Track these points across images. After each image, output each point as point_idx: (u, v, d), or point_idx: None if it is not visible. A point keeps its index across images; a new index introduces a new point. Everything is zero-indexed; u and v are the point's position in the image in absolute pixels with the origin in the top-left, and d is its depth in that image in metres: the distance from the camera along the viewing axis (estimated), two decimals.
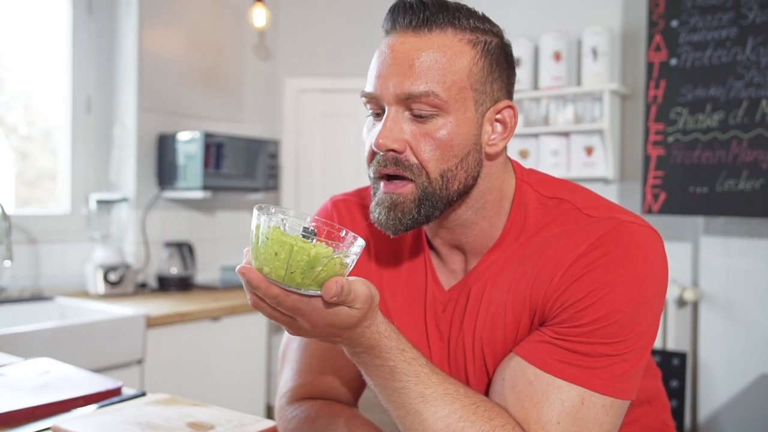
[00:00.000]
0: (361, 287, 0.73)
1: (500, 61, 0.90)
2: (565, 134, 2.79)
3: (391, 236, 0.90)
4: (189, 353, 2.52)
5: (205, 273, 3.22)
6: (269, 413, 3.13)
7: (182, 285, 2.94)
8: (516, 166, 0.98)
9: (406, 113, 0.86)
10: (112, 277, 2.70)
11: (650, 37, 2.42)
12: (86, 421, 1.07)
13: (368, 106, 0.90)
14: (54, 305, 2.56)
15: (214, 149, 2.91)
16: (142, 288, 2.92)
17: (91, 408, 1.16)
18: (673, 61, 2.35)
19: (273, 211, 0.74)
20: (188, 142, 2.91)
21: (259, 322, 2.84)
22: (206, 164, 2.87)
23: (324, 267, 0.70)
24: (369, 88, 0.88)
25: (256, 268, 0.70)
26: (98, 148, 2.97)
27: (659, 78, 2.38)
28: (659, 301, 0.86)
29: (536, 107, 2.84)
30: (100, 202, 2.90)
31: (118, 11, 2.99)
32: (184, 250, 3.01)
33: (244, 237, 3.45)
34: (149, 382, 2.33)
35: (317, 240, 0.71)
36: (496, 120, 0.90)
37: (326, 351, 1.02)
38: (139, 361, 2.33)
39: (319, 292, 0.72)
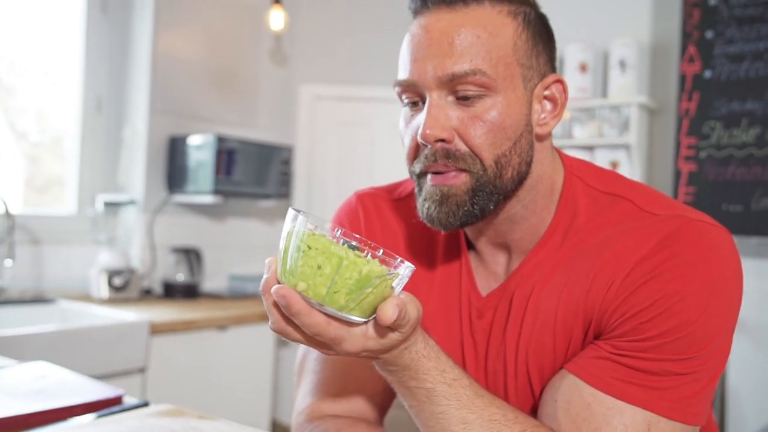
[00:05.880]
0: (413, 310, 0.64)
1: (542, 33, 0.81)
2: (589, 148, 2.70)
3: (443, 232, 0.82)
4: (194, 362, 2.42)
5: (212, 281, 3.13)
6: (275, 429, 3.02)
7: (188, 292, 2.84)
8: (563, 157, 0.88)
9: (450, 97, 0.77)
10: (117, 281, 2.61)
11: (683, 49, 2.33)
12: None
13: (404, 96, 0.81)
14: (55, 308, 2.47)
15: (226, 154, 2.83)
16: (147, 294, 2.83)
17: (89, 417, 1.07)
18: (708, 74, 2.26)
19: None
20: (200, 146, 2.83)
21: (266, 333, 2.74)
22: (218, 169, 2.79)
23: (374, 289, 0.59)
24: (404, 75, 0.79)
25: (288, 285, 0.60)
26: (107, 149, 2.89)
27: (692, 90, 2.29)
28: (735, 311, 0.76)
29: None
30: (107, 204, 2.82)
31: (133, 10, 2.93)
32: (191, 256, 2.92)
33: (254, 245, 3.36)
34: (152, 391, 2.24)
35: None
36: (545, 97, 0.82)
37: (349, 363, 0.91)
38: (142, 369, 2.23)
39: (360, 318, 0.61)
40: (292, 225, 0.61)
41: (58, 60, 2.80)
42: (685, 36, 2.33)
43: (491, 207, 0.79)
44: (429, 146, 0.77)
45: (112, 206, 2.86)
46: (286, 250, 0.61)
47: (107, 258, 2.65)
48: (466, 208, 0.77)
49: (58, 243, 2.68)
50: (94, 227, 2.80)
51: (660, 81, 2.61)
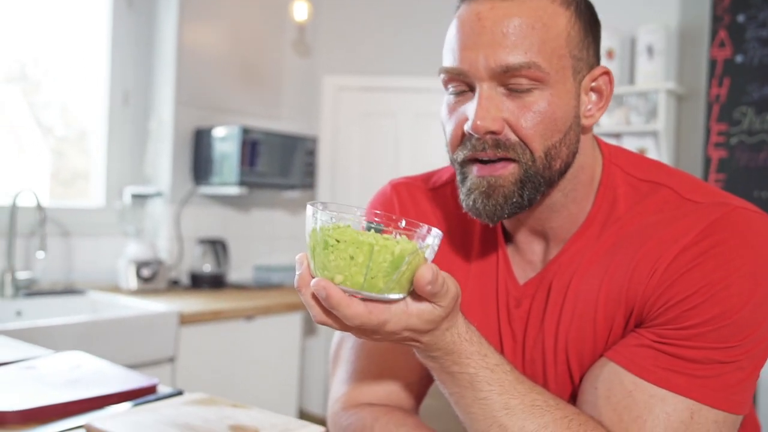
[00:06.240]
0: (452, 284, 0.63)
1: (592, 23, 0.79)
2: (616, 135, 2.66)
3: (490, 225, 0.80)
4: (222, 352, 2.45)
5: (238, 271, 3.15)
6: (302, 418, 3.04)
7: (215, 283, 2.87)
8: (602, 145, 0.87)
9: (500, 88, 0.75)
10: (145, 272, 2.64)
11: (713, 33, 2.29)
12: (120, 420, 0.99)
13: (450, 84, 0.78)
14: (86, 299, 2.50)
15: (251, 145, 2.84)
16: (174, 285, 2.86)
17: (126, 406, 1.08)
18: (739, 58, 2.22)
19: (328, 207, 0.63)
20: (225, 137, 2.84)
21: (293, 322, 2.75)
22: (243, 160, 2.80)
23: (408, 265, 0.60)
24: (452, 62, 0.77)
25: (325, 278, 0.60)
26: (134, 141, 2.92)
27: (723, 76, 2.25)
28: None
29: None
30: (134, 196, 2.85)
31: (158, 3, 2.95)
32: (217, 247, 2.94)
33: (279, 236, 3.38)
34: (181, 381, 2.26)
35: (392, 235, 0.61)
36: (592, 89, 0.80)
37: (385, 351, 0.91)
38: (171, 359, 2.25)
39: (401, 295, 0.62)
40: (314, 221, 0.61)
41: (83, 54, 2.83)
42: (716, 20, 2.29)
43: (538, 197, 0.78)
44: (477, 136, 0.75)
45: (139, 198, 2.89)
46: (314, 248, 0.61)
47: (135, 249, 2.68)
48: (514, 200, 0.76)
49: (87, 235, 2.72)
50: (122, 219, 2.83)
51: (688, 67, 2.57)
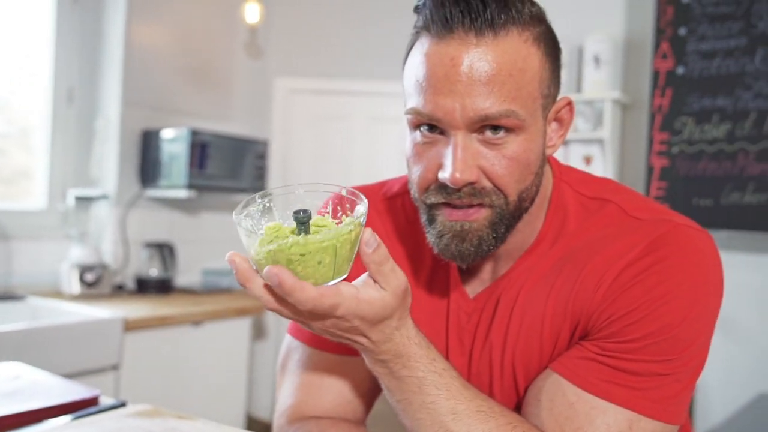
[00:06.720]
0: (400, 271, 0.65)
1: (557, 54, 0.79)
2: (564, 143, 2.72)
3: (464, 267, 0.81)
4: (168, 359, 2.40)
5: (185, 275, 3.10)
6: (250, 425, 3.01)
7: (162, 287, 2.81)
8: (553, 163, 0.88)
9: (475, 135, 0.73)
10: (89, 277, 2.56)
11: (657, 45, 2.36)
12: None
13: (419, 126, 0.76)
14: (25, 305, 2.42)
15: (200, 147, 2.79)
16: (119, 290, 2.79)
17: (65, 419, 1.05)
18: (680, 70, 2.29)
19: (257, 204, 0.66)
20: (174, 139, 2.79)
21: (241, 327, 2.72)
22: (191, 162, 2.75)
23: (358, 239, 0.63)
24: (425, 107, 0.73)
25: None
26: (79, 141, 2.84)
27: (665, 86, 2.32)
28: (716, 314, 0.78)
29: None
30: (78, 199, 2.77)
31: (106, 1, 2.87)
32: (164, 251, 2.88)
33: (227, 239, 3.33)
34: (125, 389, 2.21)
35: (338, 219, 0.65)
36: (555, 119, 0.81)
37: (332, 363, 0.91)
38: (115, 367, 2.20)
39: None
40: (269, 246, 0.61)
41: (26, 48, 2.73)
42: (659, 32, 2.36)
43: (508, 234, 0.79)
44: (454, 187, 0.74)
45: (83, 200, 2.81)
46: (274, 264, 0.61)
47: (78, 253, 2.61)
48: (488, 242, 0.76)
49: (28, 238, 2.63)
50: (65, 222, 2.75)
51: (633, 77, 2.64)
